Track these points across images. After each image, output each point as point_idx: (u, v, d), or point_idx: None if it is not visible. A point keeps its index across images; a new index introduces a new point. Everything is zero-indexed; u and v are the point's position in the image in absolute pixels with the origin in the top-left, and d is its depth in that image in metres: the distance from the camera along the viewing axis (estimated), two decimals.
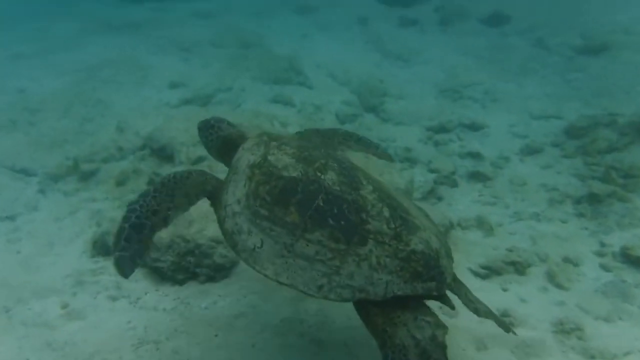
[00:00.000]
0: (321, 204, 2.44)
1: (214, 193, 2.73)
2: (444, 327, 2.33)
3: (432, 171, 5.54)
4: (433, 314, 2.39)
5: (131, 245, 2.41)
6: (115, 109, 6.81)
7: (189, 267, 3.68)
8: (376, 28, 11.20)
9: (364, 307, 2.38)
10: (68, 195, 4.96)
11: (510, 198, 4.89)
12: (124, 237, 2.42)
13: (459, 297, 2.54)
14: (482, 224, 4.42)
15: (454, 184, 5.26)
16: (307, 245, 2.38)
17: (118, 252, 2.38)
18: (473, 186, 5.26)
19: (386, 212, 2.50)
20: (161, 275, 3.69)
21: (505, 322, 2.60)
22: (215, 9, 13.16)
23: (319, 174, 2.56)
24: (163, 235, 3.82)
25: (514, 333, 2.55)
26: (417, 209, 2.85)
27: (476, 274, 3.80)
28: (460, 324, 3.21)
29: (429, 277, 2.39)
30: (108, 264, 3.80)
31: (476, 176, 5.38)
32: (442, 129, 6.50)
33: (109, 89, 7.43)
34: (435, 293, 2.40)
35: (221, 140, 3.01)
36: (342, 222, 2.40)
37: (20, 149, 5.57)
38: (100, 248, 4.00)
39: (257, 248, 2.42)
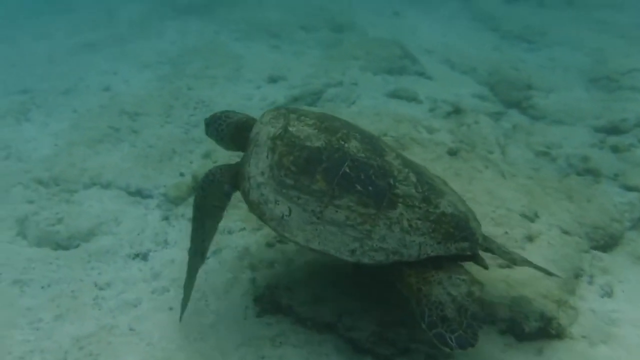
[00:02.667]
0: (347, 171, 2.56)
1: (234, 179, 2.90)
2: (479, 284, 2.42)
3: (627, 188, 4.65)
4: (467, 272, 2.49)
5: (187, 294, 3.11)
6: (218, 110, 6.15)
7: (398, 340, 2.97)
8: (480, 3, 10.17)
9: (397, 269, 2.49)
10: None
11: None
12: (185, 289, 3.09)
13: (494, 252, 2.68)
14: None
15: None
16: (337, 211, 2.50)
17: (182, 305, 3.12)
18: None
19: (413, 177, 2.64)
20: (357, 348, 3.00)
21: (543, 267, 2.76)
22: None
23: (342, 142, 2.68)
24: None
25: (557, 275, 2.76)
26: (437, 177, 3.00)
27: None
28: None
29: (461, 237, 2.52)
30: (296, 328, 3.14)
31: None
32: (615, 130, 5.58)
33: (204, 86, 6.77)
34: (468, 253, 2.53)
35: (233, 127, 3.17)
36: (370, 188, 2.52)
37: (130, 165, 4.97)
38: (267, 304, 3.33)
39: (286, 216, 2.56)
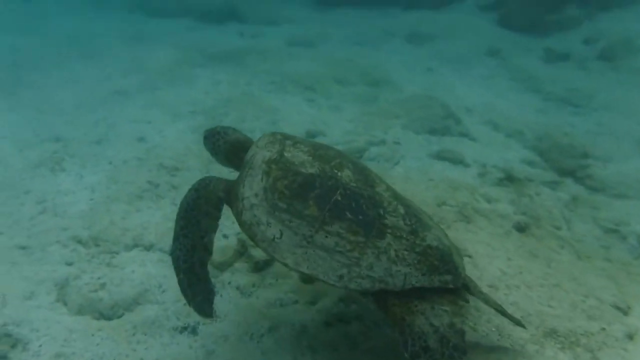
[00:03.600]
0: (339, 199, 2.70)
1: (228, 194, 3.03)
2: (461, 315, 2.55)
3: None
4: (450, 303, 2.60)
5: (197, 289, 2.92)
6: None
7: None
8: (518, 63, 10.29)
9: (382, 297, 2.62)
10: (245, 295, 4.14)
11: None
12: (187, 286, 2.94)
13: (470, 290, 2.81)
14: None
15: None
16: (327, 237, 2.63)
17: (193, 303, 2.95)
18: None
19: (401, 210, 2.80)
20: None
21: (511, 315, 2.98)
22: (310, 37, 12.62)
23: (335, 171, 2.85)
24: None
25: (523, 326, 2.98)
26: (423, 211, 3.16)
27: None
28: None
29: (444, 270, 2.65)
30: None
31: None
32: None
33: None
34: (451, 286, 2.65)
35: (229, 145, 3.40)
36: (360, 217, 2.67)
37: (172, 225, 4.80)
38: None
39: (277, 239, 2.68)
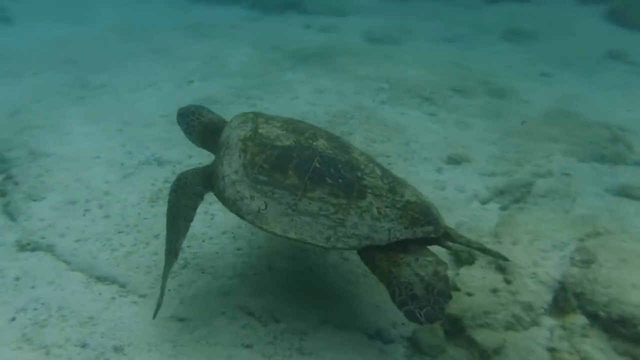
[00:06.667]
0: (318, 166, 3.00)
1: (208, 180, 3.34)
2: (444, 264, 2.89)
3: None
4: (433, 254, 2.98)
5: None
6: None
7: None
8: None
9: (369, 254, 2.97)
10: None
11: None
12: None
13: (452, 238, 3.15)
14: None
15: None
16: (310, 203, 2.92)
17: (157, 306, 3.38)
18: None
19: (378, 171, 3.15)
20: None
21: (494, 251, 3.32)
22: (389, 32, 11.96)
23: (310, 141, 3.14)
24: None
25: (506, 259, 3.36)
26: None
27: None
28: None
29: (425, 221, 3.00)
30: None
31: None
32: None
33: None
34: (433, 235, 3.00)
35: (203, 126, 3.63)
36: (340, 180, 2.97)
37: (352, 288, 4.11)
38: None
39: (262, 210, 2.97)
